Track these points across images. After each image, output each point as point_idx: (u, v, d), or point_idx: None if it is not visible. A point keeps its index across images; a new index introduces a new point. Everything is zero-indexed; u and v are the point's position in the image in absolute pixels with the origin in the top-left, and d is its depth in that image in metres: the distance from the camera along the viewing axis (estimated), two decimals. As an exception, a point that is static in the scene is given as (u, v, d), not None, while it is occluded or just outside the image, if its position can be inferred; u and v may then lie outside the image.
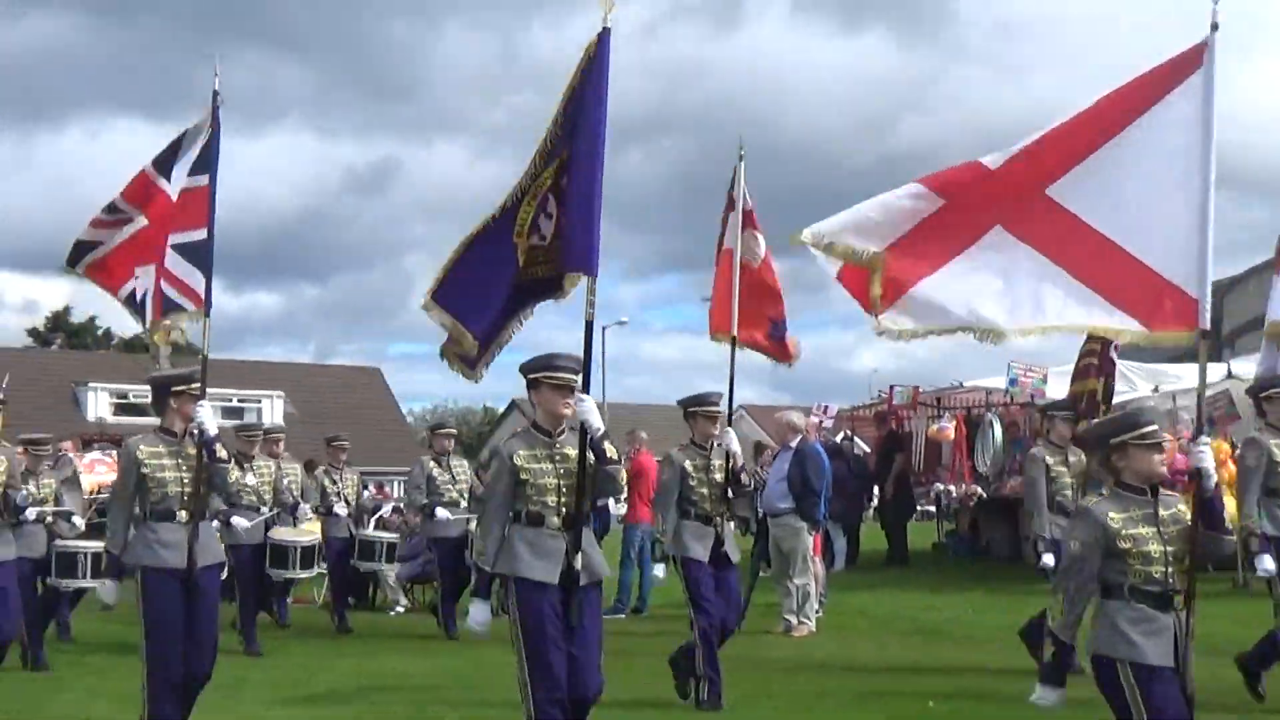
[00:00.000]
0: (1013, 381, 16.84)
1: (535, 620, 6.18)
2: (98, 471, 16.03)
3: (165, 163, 8.11)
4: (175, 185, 8.04)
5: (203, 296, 7.79)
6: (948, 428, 18.27)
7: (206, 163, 7.86)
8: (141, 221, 8.22)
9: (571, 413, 6.34)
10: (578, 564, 6.26)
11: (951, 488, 18.37)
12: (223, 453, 7.40)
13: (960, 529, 20.81)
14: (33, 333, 62.39)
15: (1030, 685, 5.85)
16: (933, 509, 22.58)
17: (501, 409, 64.26)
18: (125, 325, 65.92)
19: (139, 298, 8.21)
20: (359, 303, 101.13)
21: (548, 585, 6.21)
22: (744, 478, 9.20)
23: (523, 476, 6.32)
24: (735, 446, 9.09)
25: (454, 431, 14.82)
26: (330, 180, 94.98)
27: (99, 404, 47.26)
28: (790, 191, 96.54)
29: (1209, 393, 6.14)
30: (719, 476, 8.97)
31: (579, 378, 6.38)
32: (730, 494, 9.05)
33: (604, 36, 6.47)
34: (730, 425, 9.19)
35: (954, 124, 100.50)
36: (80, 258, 8.39)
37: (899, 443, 19.69)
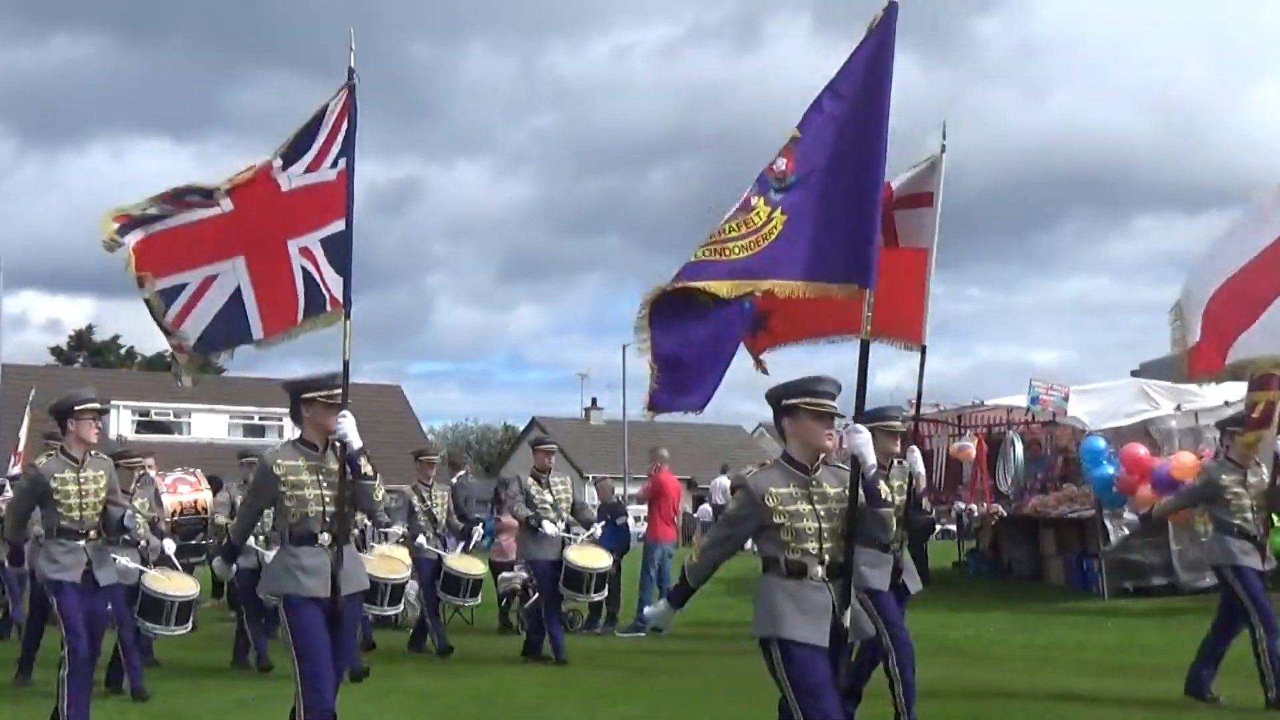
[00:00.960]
0: (1034, 400, 16.81)
1: (813, 684, 5.32)
2: (180, 491, 15.61)
3: (291, 155, 7.31)
4: (293, 176, 7.27)
5: (339, 296, 7.09)
6: (969, 446, 18.24)
7: (344, 149, 7.22)
8: (224, 207, 7.26)
9: (834, 445, 5.60)
10: (846, 620, 5.43)
11: (973, 506, 18.32)
12: (368, 468, 6.72)
13: (981, 548, 20.74)
14: (55, 351, 62.79)
15: (1051, 706, 5.79)
16: (953, 528, 22.50)
17: (522, 427, 64.38)
18: (149, 344, 66.27)
19: (190, 294, 7.21)
20: (380, 321, 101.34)
21: (821, 648, 5.36)
22: (925, 502, 8.47)
23: (777, 520, 5.43)
24: (919, 467, 8.32)
25: (554, 447, 13.61)
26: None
27: (121, 422, 47.48)
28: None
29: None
30: (899, 499, 8.04)
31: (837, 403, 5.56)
32: (911, 519, 8.26)
33: (890, 11, 5.81)
34: (914, 443, 8.42)
35: (976, 143, 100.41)
36: (130, 229, 7.17)
37: (919, 461, 19.63)
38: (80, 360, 61.07)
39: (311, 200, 7.24)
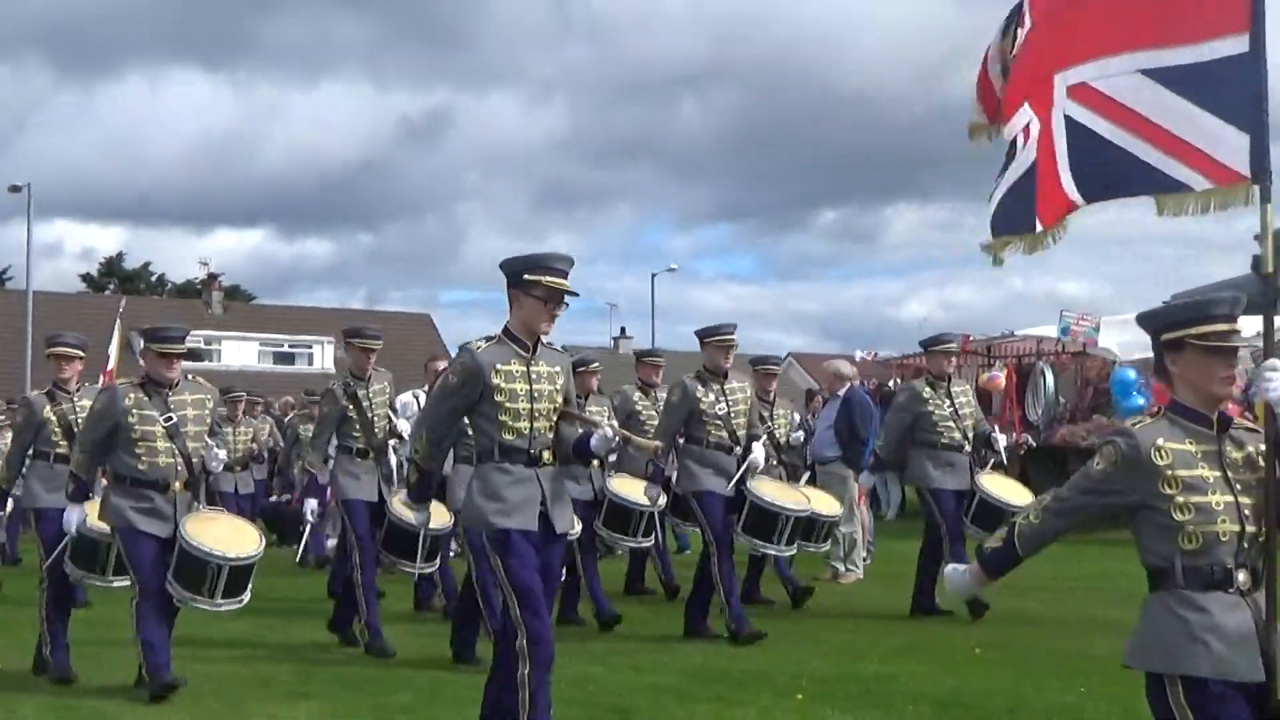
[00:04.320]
0: (1065, 330, 16.72)
1: None
2: None
3: None
4: None
5: (1229, 162, 4.40)
6: (998, 376, 18.17)
7: None
8: (1028, 20, 5.23)
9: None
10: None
11: (1001, 436, 18.29)
12: None
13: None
14: (86, 278, 63.01)
15: (1085, 636, 5.69)
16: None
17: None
18: (179, 271, 66.42)
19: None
20: (411, 250, 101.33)
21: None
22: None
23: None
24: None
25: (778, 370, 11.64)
26: (384, 129, 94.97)
27: (152, 349, 47.69)
28: (842, 143, 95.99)
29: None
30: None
31: None
32: None
33: None
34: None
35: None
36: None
37: (948, 391, 19.59)
38: (110, 287, 61.34)
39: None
